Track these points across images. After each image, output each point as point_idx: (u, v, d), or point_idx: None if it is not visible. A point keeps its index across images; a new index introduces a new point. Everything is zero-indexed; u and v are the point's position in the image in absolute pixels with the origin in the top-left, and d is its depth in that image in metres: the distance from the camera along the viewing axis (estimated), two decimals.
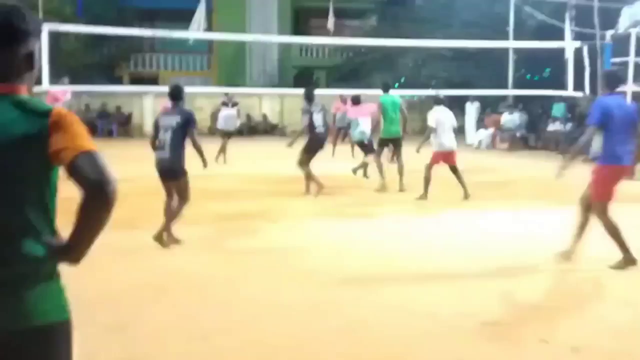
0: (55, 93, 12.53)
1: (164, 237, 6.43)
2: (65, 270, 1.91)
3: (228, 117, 14.53)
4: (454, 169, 9.84)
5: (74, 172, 1.76)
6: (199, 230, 7.46)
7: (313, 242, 6.98)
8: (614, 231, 5.53)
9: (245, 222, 7.81)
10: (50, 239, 1.85)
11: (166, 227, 6.39)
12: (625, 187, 5.85)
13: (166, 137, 6.37)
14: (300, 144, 10.17)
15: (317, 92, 10.46)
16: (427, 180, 9.75)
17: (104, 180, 1.75)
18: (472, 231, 7.55)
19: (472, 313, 4.70)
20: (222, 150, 14.14)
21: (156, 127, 6.56)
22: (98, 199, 1.76)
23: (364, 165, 11.70)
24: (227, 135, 14.40)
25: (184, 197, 6.48)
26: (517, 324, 4.51)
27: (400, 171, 10.63)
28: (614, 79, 5.67)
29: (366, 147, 11.51)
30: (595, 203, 5.56)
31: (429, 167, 9.80)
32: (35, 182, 1.83)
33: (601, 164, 5.51)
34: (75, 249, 1.85)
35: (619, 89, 5.74)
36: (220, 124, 14.62)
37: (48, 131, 1.78)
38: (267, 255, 6.39)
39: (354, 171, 11.75)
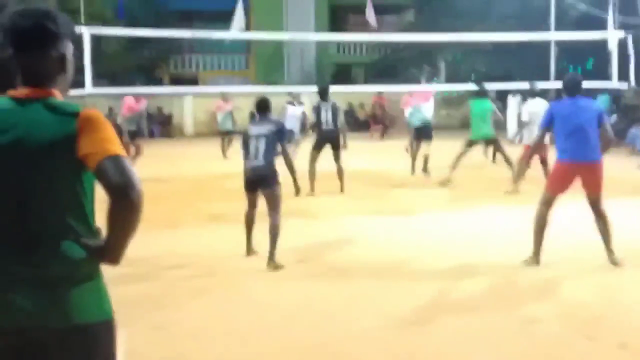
0: (130, 102, 12.21)
1: (274, 260, 5.93)
2: (107, 270, 1.94)
3: (293, 118, 13.14)
4: (544, 162, 9.49)
5: (100, 177, 1.78)
6: (238, 230, 7.50)
7: (350, 239, 6.94)
8: (539, 225, 5.79)
9: (283, 220, 7.83)
10: (87, 240, 1.87)
11: (272, 247, 5.95)
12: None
13: (259, 145, 6.04)
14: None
15: (356, 88, 10.57)
16: (520, 173, 9.54)
17: (128, 185, 1.75)
18: (510, 226, 7.43)
19: (512, 309, 4.63)
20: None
21: (245, 139, 6.23)
22: (123, 204, 1.77)
23: (426, 159, 11.70)
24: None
25: (276, 207, 6.09)
26: (562, 321, 4.41)
27: (508, 163, 10.42)
28: (572, 85, 5.93)
29: (425, 133, 11.63)
30: (543, 192, 5.93)
31: (521, 162, 9.64)
32: (70, 183, 1.84)
33: (557, 159, 5.88)
34: (110, 251, 1.86)
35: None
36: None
37: (76, 134, 1.80)
38: (305, 253, 6.39)
39: (424, 171, 11.67)
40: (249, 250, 6.28)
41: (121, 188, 1.75)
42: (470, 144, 10.80)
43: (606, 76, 12.86)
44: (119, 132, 11.79)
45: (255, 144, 6.09)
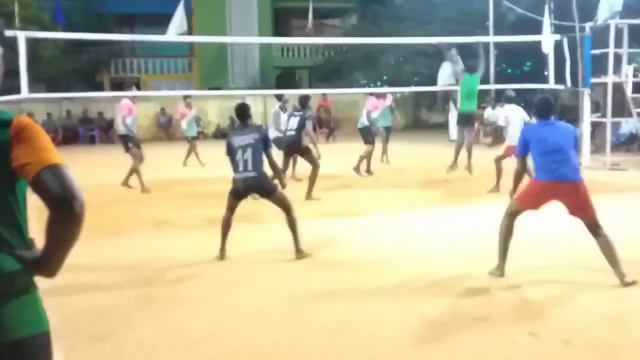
0: (128, 104, 11.19)
1: (301, 251, 6.24)
2: (47, 281, 1.87)
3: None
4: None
5: (38, 188, 1.71)
6: (185, 237, 7.41)
7: (304, 244, 6.90)
8: (504, 236, 5.48)
9: (233, 226, 7.76)
10: (22, 252, 1.80)
11: (296, 240, 6.20)
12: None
13: (248, 155, 6.12)
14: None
15: (301, 91, 10.65)
16: (499, 173, 9.89)
17: (69, 196, 1.69)
18: (461, 228, 7.55)
19: (462, 311, 4.69)
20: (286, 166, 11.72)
21: (230, 148, 6.26)
22: (64, 216, 1.70)
23: (360, 160, 12.20)
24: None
25: (288, 207, 6.22)
26: (507, 319, 4.50)
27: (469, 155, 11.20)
28: (545, 107, 5.63)
29: (362, 136, 12.46)
30: (513, 202, 5.57)
31: (499, 159, 9.98)
32: (1, 194, 1.77)
33: (535, 178, 5.54)
34: (48, 264, 1.79)
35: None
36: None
37: (9, 143, 1.73)
38: (259, 258, 6.33)
39: (355, 170, 12.12)
40: (222, 255, 6.22)
41: (63, 199, 1.68)
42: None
43: (544, 78, 13.22)
44: (129, 140, 10.94)
45: (242, 155, 6.13)
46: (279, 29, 32.64)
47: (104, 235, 7.15)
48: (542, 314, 4.56)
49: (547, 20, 13.21)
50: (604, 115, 13.78)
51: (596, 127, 14.86)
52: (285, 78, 31.46)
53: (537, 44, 13.20)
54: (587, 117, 13.51)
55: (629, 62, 13.32)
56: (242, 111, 6.39)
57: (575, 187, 5.27)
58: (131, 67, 31.46)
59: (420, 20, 23.62)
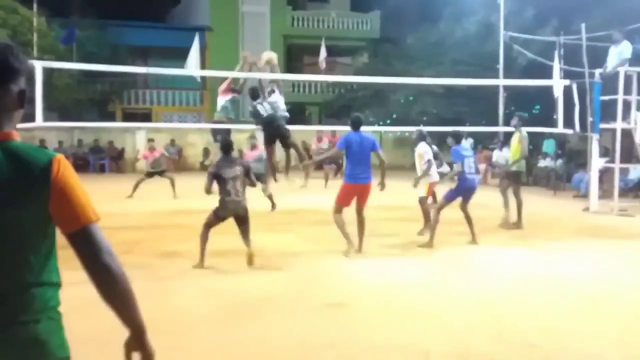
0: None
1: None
2: None
3: None
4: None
5: (75, 247, 1.82)
6: (190, 268, 7.42)
7: (301, 280, 6.91)
8: (339, 225, 8.10)
9: (237, 258, 7.76)
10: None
11: None
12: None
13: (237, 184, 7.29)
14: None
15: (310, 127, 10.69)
16: (426, 214, 10.07)
17: (106, 263, 1.83)
18: (463, 267, 7.54)
19: (469, 352, 4.67)
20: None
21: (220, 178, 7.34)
22: (105, 282, 1.83)
23: None
24: None
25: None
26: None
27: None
28: (356, 122, 8.15)
29: None
30: (334, 205, 8.16)
31: (424, 200, 10.10)
32: (36, 234, 1.80)
33: (344, 182, 8.20)
34: (130, 325, 1.93)
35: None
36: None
37: (48, 192, 1.76)
38: (257, 293, 6.33)
39: None
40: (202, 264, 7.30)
41: (100, 267, 1.82)
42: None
43: (552, 122, 13.29)
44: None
45: (232, 184, 7.30)
46: (291, 65, 32.99)
47: None
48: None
49: (556, 66, 13.34)
50: (612, 161, 13.80)
51: (604, 173, 14.87)
52: (295, 113, 31.69)
53: (546, 88, 13.31)
54: (596, 162, 13.54)
55: (638, 109, 13.40)
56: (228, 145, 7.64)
57: (369, 186, 8.02)
58: (143, 98, 31.80)
59: (431, 61, 23.89)
